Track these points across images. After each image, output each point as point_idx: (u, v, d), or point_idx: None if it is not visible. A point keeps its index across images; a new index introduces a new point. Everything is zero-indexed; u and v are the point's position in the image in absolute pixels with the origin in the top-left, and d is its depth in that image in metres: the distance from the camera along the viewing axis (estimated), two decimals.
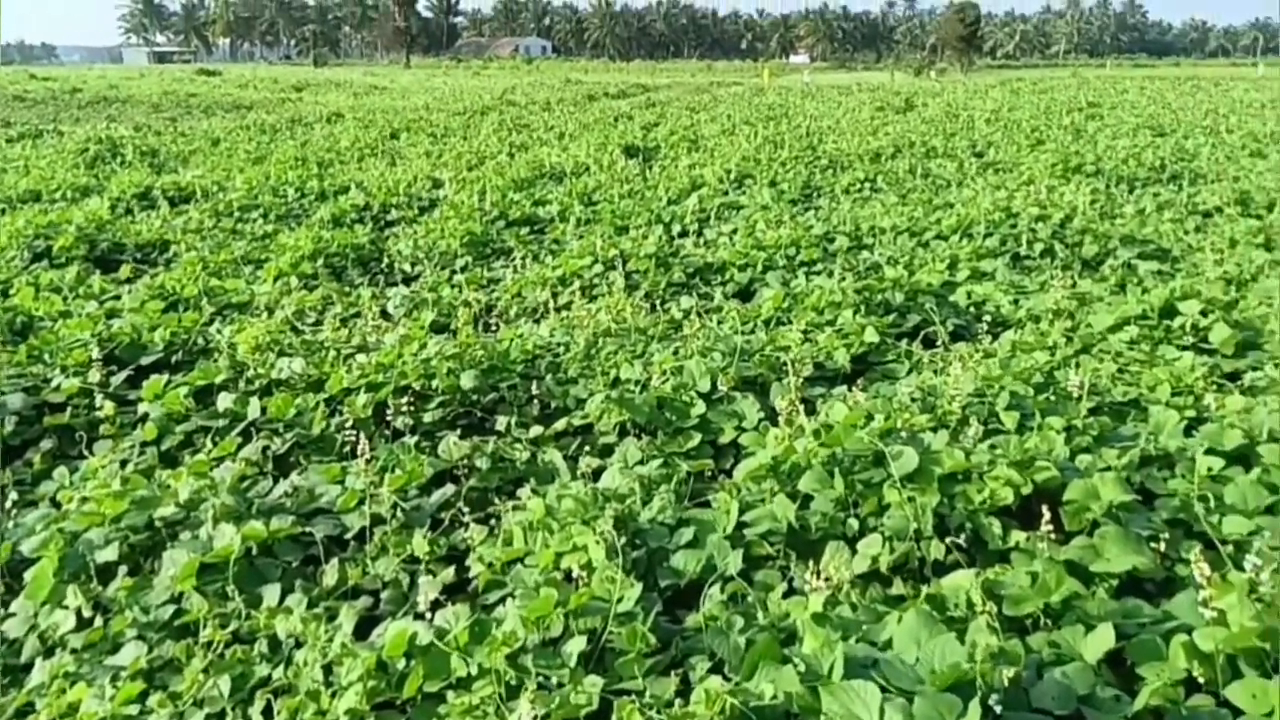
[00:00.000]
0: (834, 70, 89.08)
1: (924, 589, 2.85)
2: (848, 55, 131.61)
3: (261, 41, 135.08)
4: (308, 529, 3.59)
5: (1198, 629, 2.53)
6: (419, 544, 3.36)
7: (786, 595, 3.02)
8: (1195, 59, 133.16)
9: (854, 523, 3.28)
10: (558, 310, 6.40)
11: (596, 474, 3.93)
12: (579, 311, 5.91)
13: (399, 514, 3.65)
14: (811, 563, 2.92)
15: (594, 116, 24.62)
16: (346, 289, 7.38)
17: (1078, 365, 4.58)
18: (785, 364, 4.71)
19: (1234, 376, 4.82)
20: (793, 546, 3.25)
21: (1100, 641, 2.53)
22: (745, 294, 7.16)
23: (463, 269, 8.05)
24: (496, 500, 3.70)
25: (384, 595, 3.30)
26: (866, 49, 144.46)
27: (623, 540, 3.14)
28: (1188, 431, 4.02)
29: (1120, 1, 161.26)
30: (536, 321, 6.29)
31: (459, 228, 8.98)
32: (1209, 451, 3.75)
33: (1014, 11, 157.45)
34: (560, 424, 4.48)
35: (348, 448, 4.23)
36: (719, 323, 5.83)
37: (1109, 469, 3.47)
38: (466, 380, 4.71)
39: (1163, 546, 3.06)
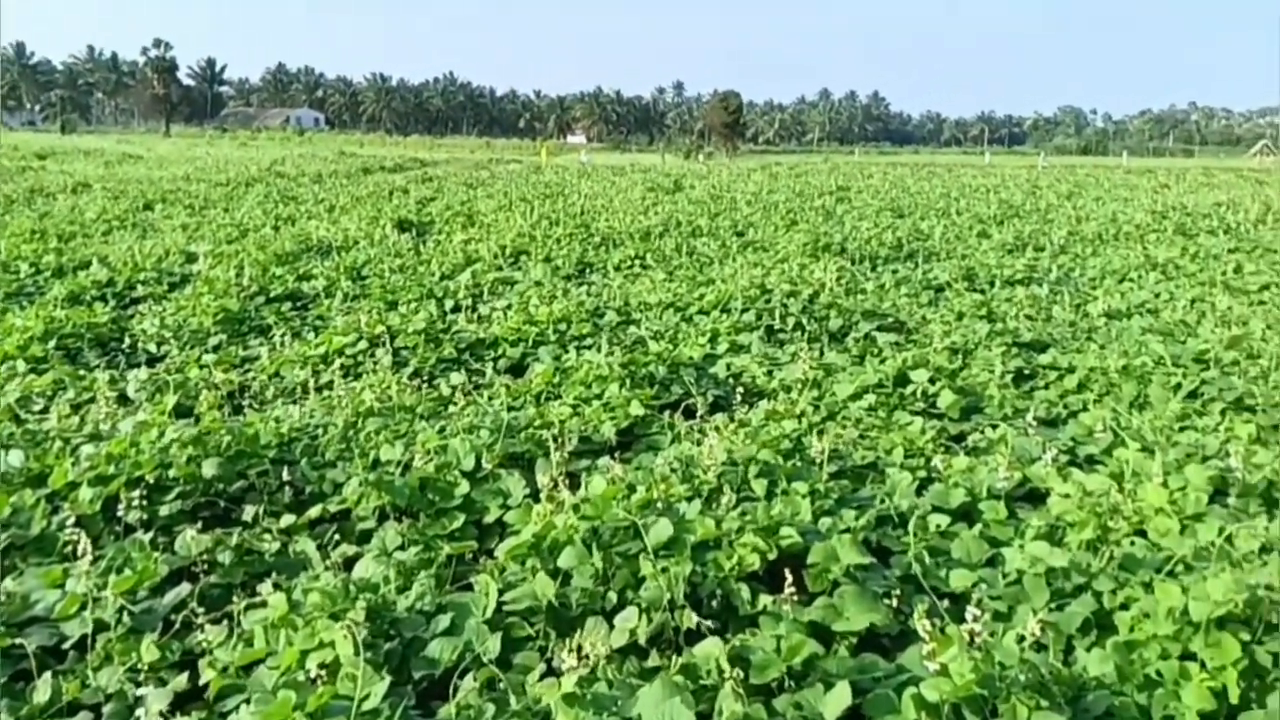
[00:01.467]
0: (609, 151, 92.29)
1: (677, 659, 2.89)
2: (622, 137, 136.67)
3: (2, 106, 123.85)
4: (18, 640, 3.21)
5: (924, 681, 2.71)
6: (147, 650, 3.08)
7: (545, 675, 2.98)
8: (932, 147, 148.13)
9: (613, 596, 3.30)
10: (319, 390, 6.14)
11: (351, 562, 3.77)
12: (340, 391, 5.70)
13: (126, 618, 3.33)
14: (571, 639, 2.90)
15: (368, 190, 24.16)
16: (81, 372, 6.78)
17: (822, 432, 4.87)
18: (553, 439, 4.73)
19: (959, 438, 5.28)
20: (553, 624, 3.23)
21: (838, 700, 2.65)
22: (518, 369, 7.16)
23: (215, 348, 7.60)
24: (236, 597, 3.45)
25: (106, 710, 2.99)
26: (640, 132, 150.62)
27: (373, 633, 3.01)
28: (919, 491, 4.35)
29: (866, 94, 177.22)
30: (295, 402, 6.01)
31: (213, 304, 8.49)
32: (936, 510, 4.07)
33: (773, 101, 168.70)
34: (314, 511, 4.27)
35: (71, 547, 3.84)
36: (489, 399, 5.79)
37: (848, 530, 3.68)
38: (209, 468, 4.41)
39: (895, 602, 3.27)
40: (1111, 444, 4.84)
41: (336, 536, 4.11)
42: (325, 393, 5.98)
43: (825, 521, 3.81)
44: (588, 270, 11.84)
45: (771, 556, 3.43)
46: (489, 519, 4.15)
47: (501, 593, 3.32)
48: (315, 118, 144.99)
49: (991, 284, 10.51)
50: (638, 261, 12.26)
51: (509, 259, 12.21)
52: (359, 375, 6.47)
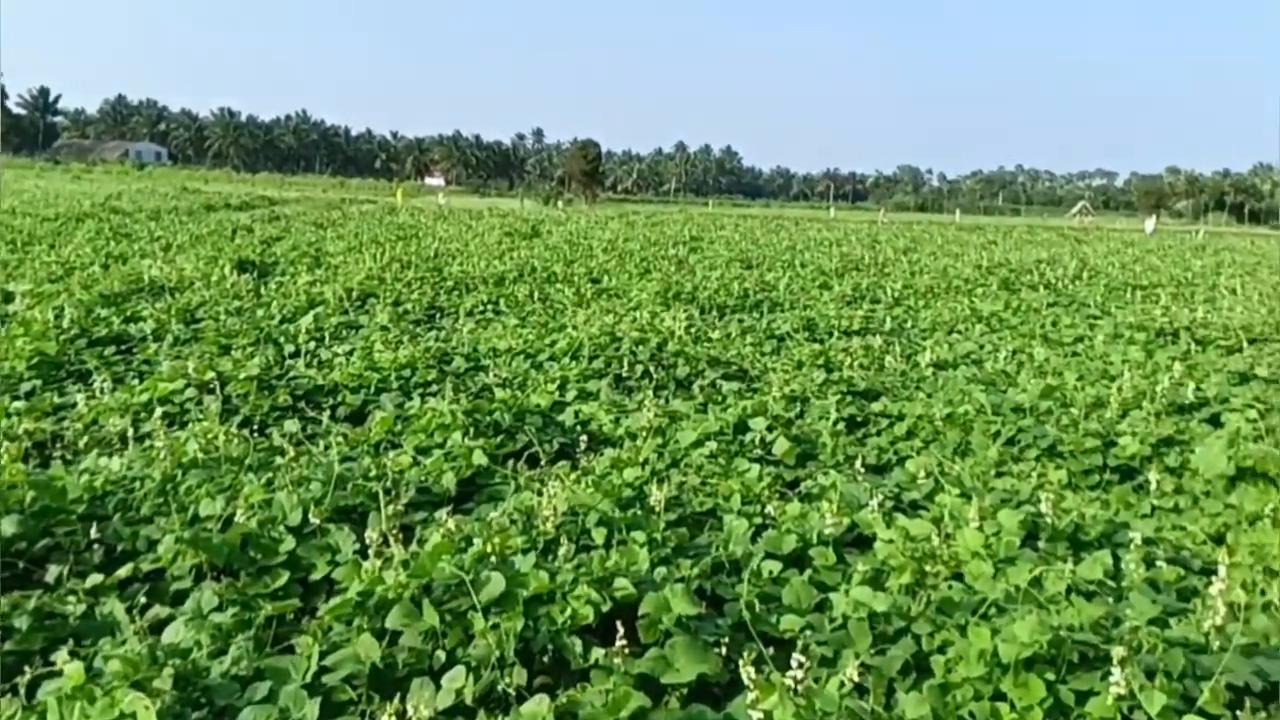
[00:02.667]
0: (468, 195, 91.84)
1: (504, 719, 2.83)
2: (482, 181, 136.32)
3: None
4: None
5: None
6: None
7: None
8: (782, 201, 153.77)
9: (441, 655, 3.21)
10: (139, 440, 5.79)
11: (163, 626, 3.53)
12: (162, 441, 5.38)
13: None
14: (396, 703, 2.80)
15: (209, 228, 23.17)
16: None
17: (663, 480, 4.91)
18: (389, 490, 4.59)
19: (794, 484, 5.43)
20: (377, 687, 3.10)
21: None
22: (358, 417, 6.94)
23: (28, 394, 7.07)
24: (29, 667, 3.17)
25: None
26: (500, 177, 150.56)
27: (182, 701, 2.82)
28: (754, 538, 4.43)
29: (719, 148, 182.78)
30: (112, 454, 5.63)
31: (27, 347, 7.91)
32: (769, 556, 4.15)
33: (631, 151, 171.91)
34: (125, 570, 3.99)
35: None
36: (324, 448, 5.58)
37: (683, 580, 3.71)
38: (8, 525, 4.08)
39: (725, 651, 3.30)
40: (933, 490, 5.07)
41: (147, 598, 3.85)
42: (146, 443, 5.64)
43: (661, 571, 3.83)
44: (438, 315, 11.67)
45: (605, 608, 3.42)
46: (315, 576, 3.97)
47: (324, 655, 3.18)
48: (157, 152, 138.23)
49: (830, 334, 10.93)
50: (490, 307, 12.18)
51: (355, 302, 11.90)
52: (184, 424, 6.13)
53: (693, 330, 10.25)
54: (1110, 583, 3.96)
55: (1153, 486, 5.38)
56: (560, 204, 69.95)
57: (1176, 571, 4.13)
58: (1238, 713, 2.85)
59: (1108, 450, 6.09)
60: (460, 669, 3.07)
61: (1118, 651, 2.96)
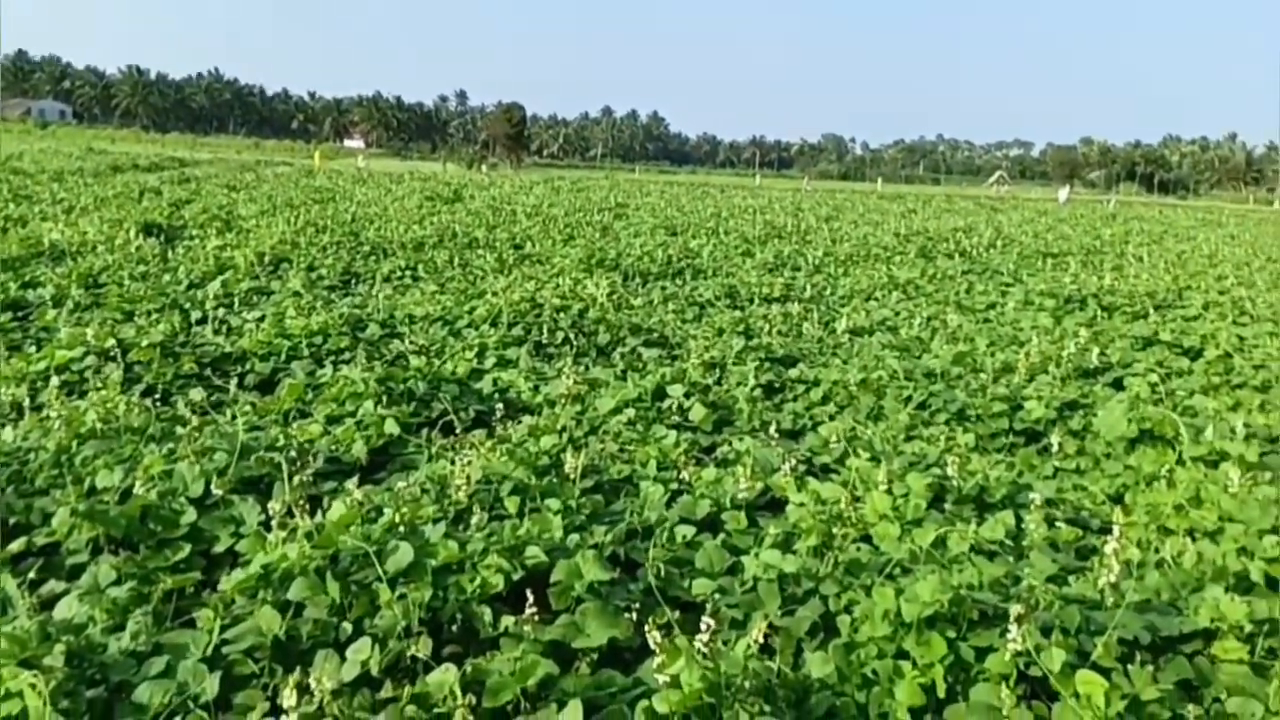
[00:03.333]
0: (389, 158, 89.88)
1: (410, 689, 2.80)
2: (404, 144, 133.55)
3: None
4: None
5: (656, 694, 2.75)
6: None
7: (269, 715, 2.81)
8: (708, 168, 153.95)
9: (348, 627, 3.15)
10: (35, 409, 5.55)
11: (55, 601, 3.41)
12: (58, 410, 5.17)
13: None
14: (299, 675, 2.74)
15: (115, 190, 22.25)
16: None
17: (580, 447, 4.90)
18: (295, 460, 4.48)
19: (710, 450, 5.46)
20: (280, 660, 3.04)
21: (571, 718, 2.64)
22: (267, 385, 6.77)
23: None
24: None
25: None
26: (422, 139, 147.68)
27: (75, 679, 2.72)
28: (669, 503, 4.44)
29: (646, 114, 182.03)
30: (5, 424, 5.39)
31: None
32: (684, 521, 4.17)
33: (557, 115, 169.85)
34: (17, 544, 3.83)
35: None
36: (231, 418, 5.42)
37: (596, 546, 3.71)
38: None
39: (635, 615, 3.31)
40: (845, 454, 5.15)
41: (41, 573, 3.71)
42: (43, 412, 5.41)
43: (575, 538, 3.82)
44: (354, 281, 11.43)
45: (517, 577, 3.39)
46: (219, 550, 3.87)
47: (225, 629, 3.10)
48: (61, 110, 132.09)
49: (751, 301, 11.01)
50: (408, 273, 11.97)
51: (268, 268, 11.57)
52: (83, 394, 5.89)
53: (615, 297, 10.22)
54: (1011, 543, 4.07)
55: (1056, 449, 5.56)
56: (484, 168, 68.99)
57: (1075, 531, 4.27)
58: (1129, 666, 2.97)
59: (1014, 414, 6.26)
60: (366, 640, 3.02)
61: (1015, 609, 3.05)
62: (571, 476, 4.47)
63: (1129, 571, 3.69)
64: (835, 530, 3.91)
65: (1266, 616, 3.25)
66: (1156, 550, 4.16)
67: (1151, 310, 11.18)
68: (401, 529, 3.58)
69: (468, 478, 4.20)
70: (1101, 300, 11.65)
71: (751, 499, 4.35)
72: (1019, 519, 4.31)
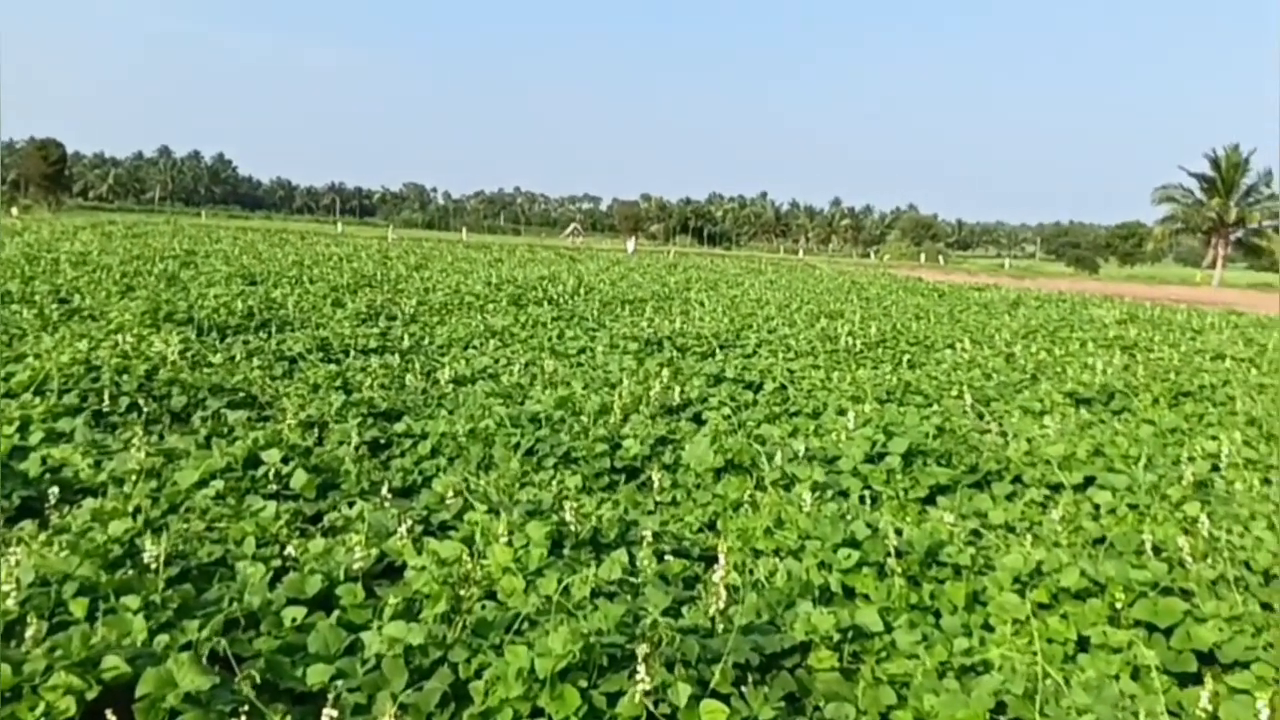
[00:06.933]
0: None
1: None
2: None
3: None
4: None
5: None
6: None
7: None
8: (285, 214, 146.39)
9: None
10: None
11: None
12: None
13: None
14: None
15: None
16: None
17: (159, 530, 4.30)
18: None
19: (316, 519, 5.07)
20: None
21: None
22: None
23: None
24: None
25: None
26: None
27: None
28: (273, 583, 4.04)
29: (211, 156, 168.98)
30: None
31: None
32: (292, 601, 3.81)
33: (105, 154, 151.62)
34: None
35: None
36: None
37: (190, 645, 3.24)
38: None
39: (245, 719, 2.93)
40: (462, 508, 5.05)
41: None
42: None
43: (163, 638, 3.31)
44: None
45: (92, 695, 2.86)
46: None
47: None
48: None
49: (347, 353, 10.54)
50: None
51: None
52: None
53: (189, 354, 9.23)
54: (631, 579, 4.22)
55: (655, 484, 5.89)
56: (15, 210, 59.75)
57: (683, 563, 4.53)
58: (743, 688, 3.17)
59: (614, 453, 6.56)
60: None
61: (641, 649, 3.14)
62: (152, 566, 3.89)
63: (733, 596, 3.98)
64: (461, 592, 3.78)
65: (850, 624, 3.66)
66: (751, 572, 4.53)
67: (717, 349, 12.41)
68: None
69: (17, 581, 3.50)
70: (675, 342, 12.72)
71: (367, 568, 4.10)
72: (632, 556, 4.49)
